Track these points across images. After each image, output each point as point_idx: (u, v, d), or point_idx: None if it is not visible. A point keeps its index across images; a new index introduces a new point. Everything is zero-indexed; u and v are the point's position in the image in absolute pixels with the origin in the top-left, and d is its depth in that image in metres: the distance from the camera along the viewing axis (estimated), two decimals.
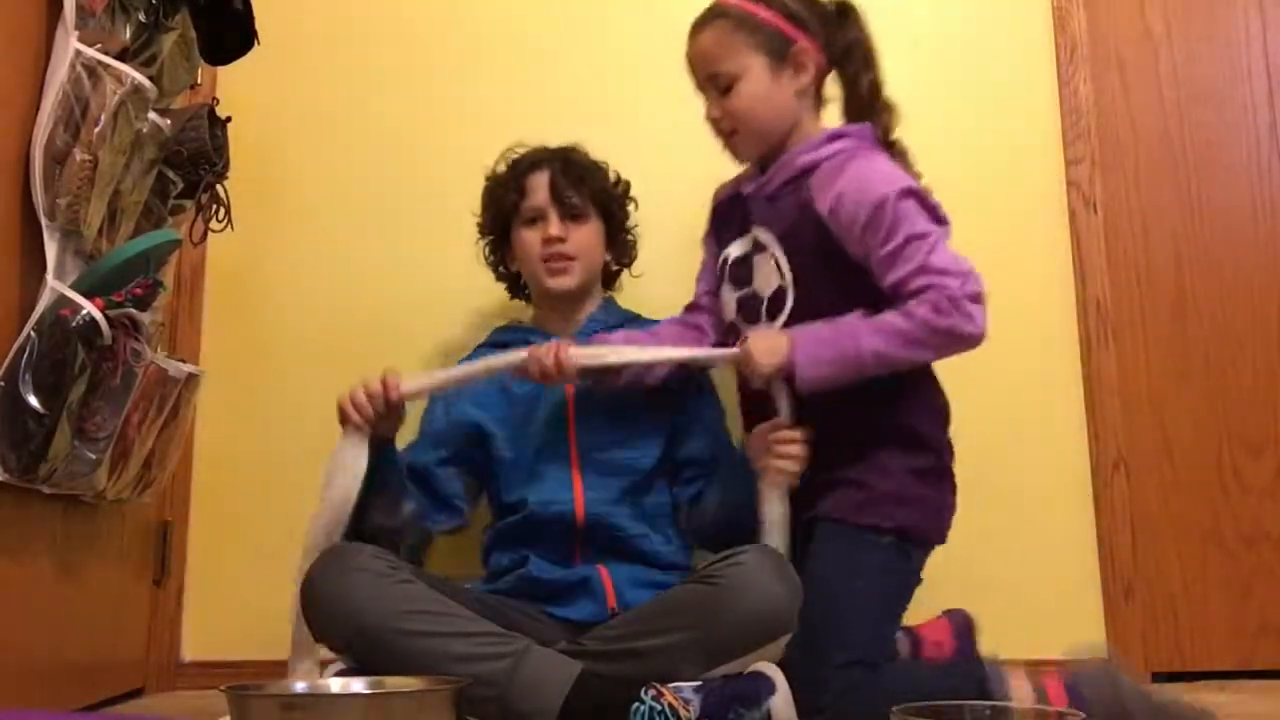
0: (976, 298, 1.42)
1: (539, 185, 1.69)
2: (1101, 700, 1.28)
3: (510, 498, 1.61)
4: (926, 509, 1.50)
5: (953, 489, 1.53)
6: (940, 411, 1.55)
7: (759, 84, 1.51)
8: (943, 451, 1.53)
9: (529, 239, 1.69)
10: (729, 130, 1.56)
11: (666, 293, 1.80)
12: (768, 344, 1.44)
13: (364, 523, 1.46)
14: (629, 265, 1.81)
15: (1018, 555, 1.90)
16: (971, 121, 2.04)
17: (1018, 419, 1.94)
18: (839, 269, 1.48)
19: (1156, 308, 2.03)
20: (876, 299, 1.45)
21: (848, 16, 1.56)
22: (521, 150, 1.75)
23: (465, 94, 2.06)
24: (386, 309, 1.99)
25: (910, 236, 1.43)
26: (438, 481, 1.62)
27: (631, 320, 1.73)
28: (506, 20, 2.09)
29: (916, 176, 1.54)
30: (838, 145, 1.52)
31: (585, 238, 1.70)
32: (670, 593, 1.39)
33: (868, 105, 1.56)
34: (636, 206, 1.79)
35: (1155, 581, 1.93)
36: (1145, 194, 2.06)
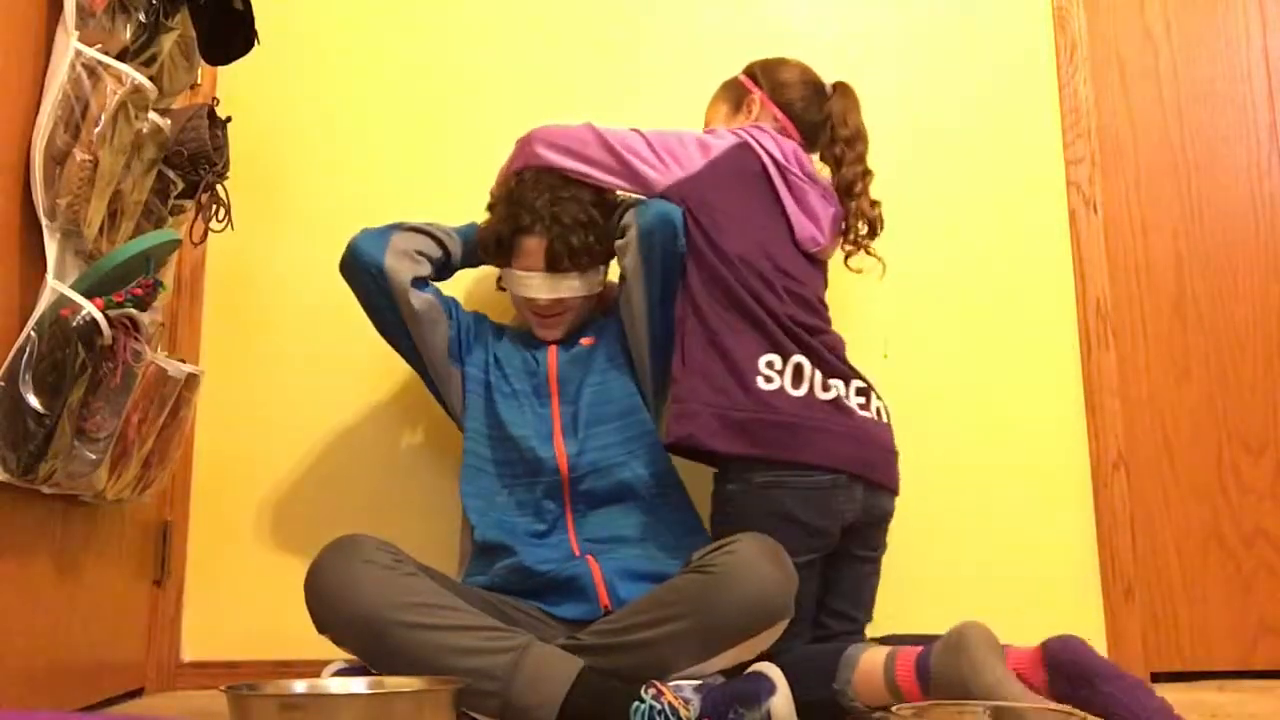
0: (544, 140, 1.71)
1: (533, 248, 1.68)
2: (946, 676, 1.29)
3: (490, 425, 1.65)
4: (696, 419, 1.53)
5: (699, 395, 1.54)
6: (691, 317, 1.60)
7: (719, 124, 1.82)
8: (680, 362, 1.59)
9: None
10: None
11: None
12: None
13: None
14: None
15: (1018, 555, 1.90)
16: (972, 121, 2.05)
17: (1018, 419, 1.94)
18: None
19: (1156, 308, 2.03)
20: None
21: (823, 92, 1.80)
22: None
23: (465, 93, 2.06)
24: None
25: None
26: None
27: (610, 324, 1.72)
28: (507, 20, 2.09)
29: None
30: None
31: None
32: (665, 585, 1.40)
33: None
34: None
35: (1155, 581, 1.94)
36: (1145, 194, 2.06)
